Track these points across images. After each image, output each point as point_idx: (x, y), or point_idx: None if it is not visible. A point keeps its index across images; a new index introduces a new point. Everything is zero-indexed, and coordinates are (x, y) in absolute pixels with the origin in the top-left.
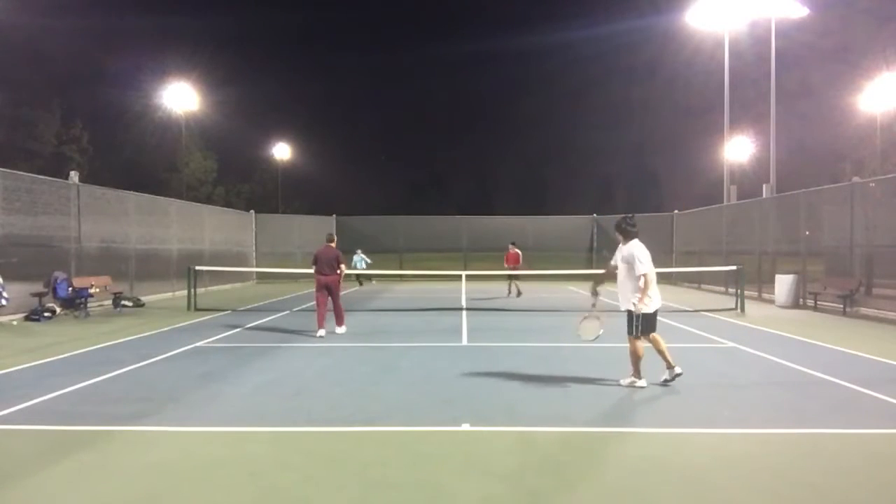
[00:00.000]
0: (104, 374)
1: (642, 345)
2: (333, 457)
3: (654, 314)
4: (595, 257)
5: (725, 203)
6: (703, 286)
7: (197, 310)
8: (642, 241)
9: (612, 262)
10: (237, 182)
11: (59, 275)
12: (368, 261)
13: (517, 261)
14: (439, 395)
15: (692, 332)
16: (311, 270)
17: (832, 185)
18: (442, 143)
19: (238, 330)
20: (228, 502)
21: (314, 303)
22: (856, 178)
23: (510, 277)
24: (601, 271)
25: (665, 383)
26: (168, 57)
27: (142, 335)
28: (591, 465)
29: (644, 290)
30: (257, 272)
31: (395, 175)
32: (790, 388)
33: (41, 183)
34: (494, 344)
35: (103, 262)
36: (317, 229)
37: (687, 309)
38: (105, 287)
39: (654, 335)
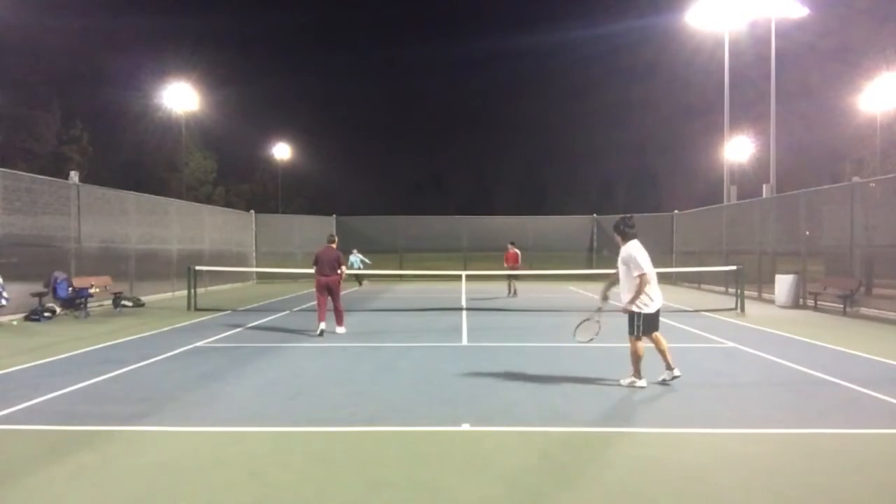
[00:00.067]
0: (104, 374)
1: (643, 345)
2: (333, 457)
3: (656, 314)
4: (595, 257)
5: (725, 203)
6: (703, 286)
7: (197, 310)
8: (642, 241)
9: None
10: (237, 182)
11: (59, 275)
12: (367, 261)
13: (516, 260)
14: (439, 395)
15: (692, 332)
16: (312, 271)
17: (832, 185)
18: (442, 143)
19: (238, 330)
20: (228, 502)
21: (314, 303)
22: (856, 178)
23: (510, 277)
24: (612, 271)
25: (663, 383)
26: (168, 57)
27: (142, 335)
28: (591, 465)
29: (638, 291)
30: (257, 272)
31: (395, 175)
32: (790, 388)
33: (41, 183)
34: (494, 344)
35: (103, 262)
36: (317, 229)
37: (687, 309)
38: (105, 287)
39: (657, 335)
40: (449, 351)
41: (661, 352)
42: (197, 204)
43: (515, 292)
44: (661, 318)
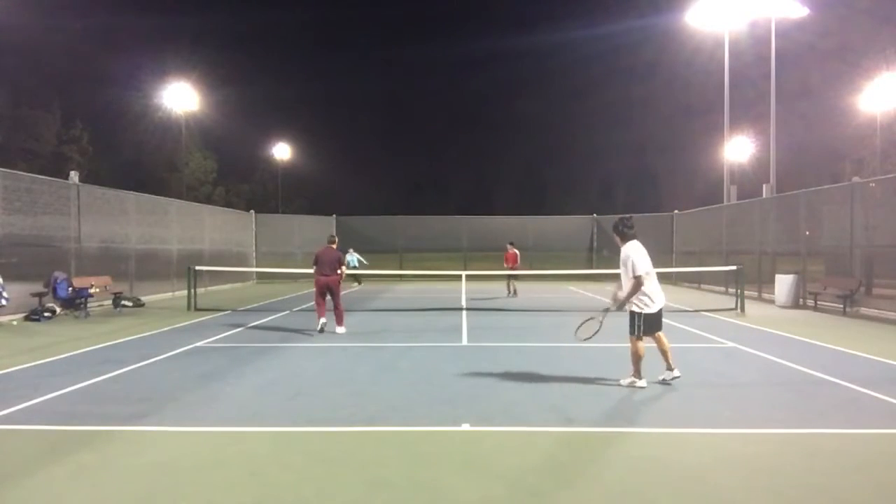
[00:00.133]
0: (104, 374)
1: (643, 345)
2: (333, 457)
3: (656, 314)
4: (595, 257)
5: (725, 203)
6: (703, 286)
7: (197, 310)
8: (642, 241)
9: None
10: (237, 182)
11: (59, 275)
12: (364, 261)
13: (515, 261)
14: (439, 395)
15: (692, 332)
16: (311, 271)
17: (832, 185)
18: (442, 143)
19: (238, 330)
20: (228, 502)
21: (314, 303)
22: (856, 178)
23: (509, 277)
24: (613, 271)
25: (663, 382)
26: (168, 57)
27: (142, 335)
28: (591, 464)
29: (631, 292)
30: (257, 272)
31: (395, 175)
32: (790, 388)
33: (41, 183)
34: (494, 344)
35: (103, 262)
36: (317, 229)
37: (687, 309)
38: (105, 287)
39: (660, 335)
40: (449, 351)
41: (663, 352)
42: (197, 204)
43: (515, 292)
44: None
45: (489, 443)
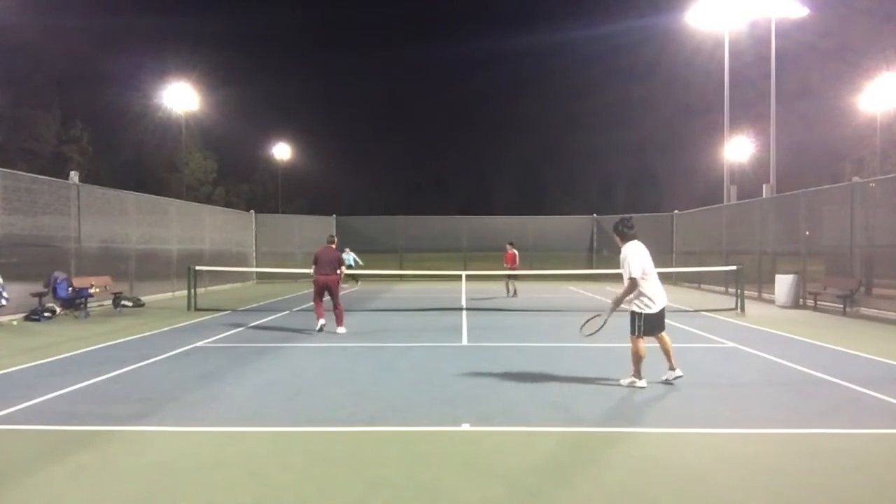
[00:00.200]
0: (104, 374)
1: (643, 345)
2: (333, 457)
3: (657, 315)
4: (595, 257)
5: (725, 203)
6: (703, 286)
7: (197, 310)
8: (642, 241)
9: None
10: (237, 182)
11: (59, 275)
12: (359, 261)
13: (514, 261)
14: (439, 395)
15: (692, 332)
16: (311, 270)
17: (832, 185)
18: (442, 143)
19: (238, 330)
20: (228, 502)
21: (312, 303)
22: (856, 178)
23: (508, 277)
24: (613, 271)
25: (666, 382)
26: (168, 57)
27: (142, 335)
28: (591, 464)
29: (624, 293)
30: (257, 272)
31: (395, 175)
32: (790, 388)
33: (41, 183)
34: (494, 344)
35: (103, 262)
36: (317, 229)
37: (687, 309)
38: (105, 287)
39: (662, 335)
40: (449, 351)
41: (666, 352)
42: (197, 204)
43: (515, 292)
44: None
45: (489, 443)
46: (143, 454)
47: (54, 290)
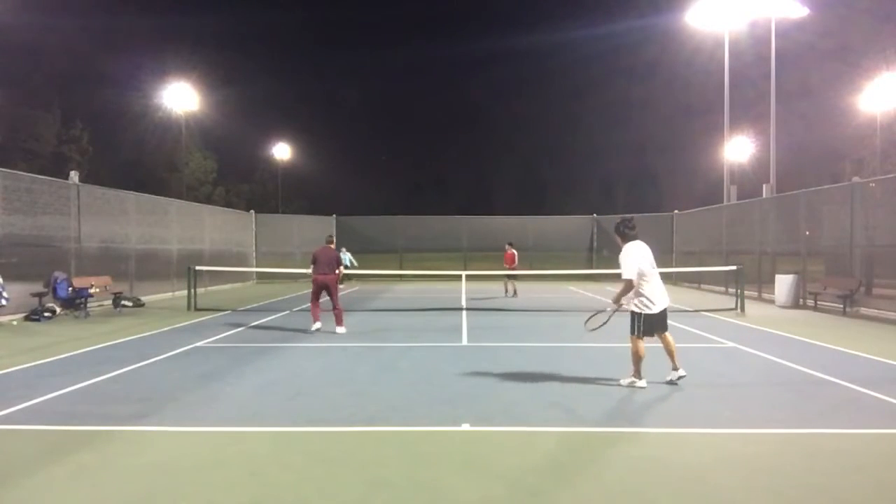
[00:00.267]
0: (104, 374)
1: (643, 345)
2: (333, 457)
3: (657, 316)
4: (595, 257)
5: (725, 203)
6: (702, 286)
7: (197, 310)
8: (644, 241)
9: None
10: (237, 182)
11: (59, 275)
12: (354, 262)
13: (513, 261)
14: (439, 395)
15: (692, 332)
16: (311, 270)
17: (832, 185)
18: (442, 143)
19: (238, 330)
20: (228, 502)
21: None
22: (856, 178)
23: (508, 277)
24: (612, 271)
25: (670, 383)
26: (168, 57)
27: (142, 335)
28: (591, 464)
29: (620, 293)
30: (257, 272)
31: (395, 175)
32: (790, 388)
33: (41, 183)
34: (494, 344)
35: (103, 262)
36: (317, 229)
37: (687, 309)
38: (105, 287)
39: (666, 335)
40: (449, 351)
41: (669, 352)
42: (197, 204)
43: (515, 292)
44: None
45: (489, 443)
46: (143, 454)
47: (54, 290)
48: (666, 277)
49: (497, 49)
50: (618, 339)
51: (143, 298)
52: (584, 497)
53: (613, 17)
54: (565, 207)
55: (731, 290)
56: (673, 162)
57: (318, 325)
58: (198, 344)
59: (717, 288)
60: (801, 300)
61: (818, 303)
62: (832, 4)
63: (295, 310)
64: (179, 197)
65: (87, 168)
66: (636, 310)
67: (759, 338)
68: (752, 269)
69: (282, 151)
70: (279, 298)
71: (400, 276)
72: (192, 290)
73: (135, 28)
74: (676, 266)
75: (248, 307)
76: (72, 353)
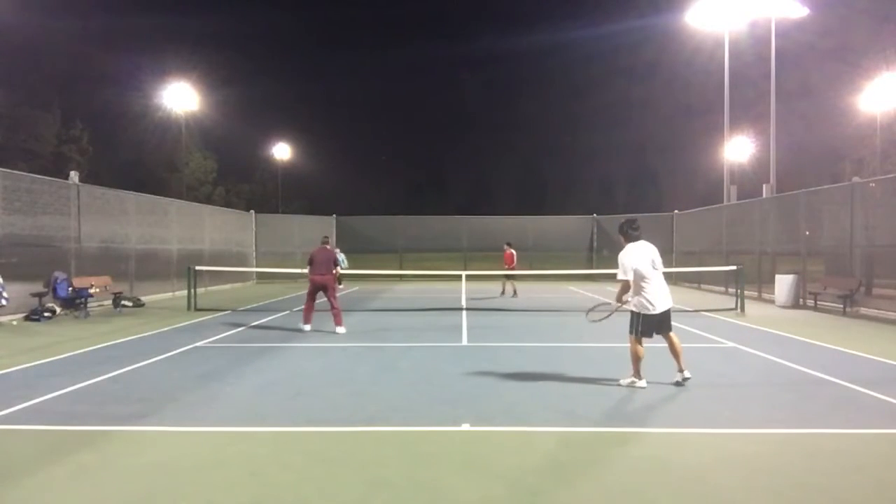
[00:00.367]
0: (104, 374)
1: (641, 348)
2: (333, 457)
3: (657, 317)
4: (595, 257)
5: (725, 203)
6: (702, 286)
7: (197, 310)
8: (648, 242)
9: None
10: (237, 182)
11: (59, 275)
12: (346, 262)
13: (512, 261)
14: (439, 395)
15: (692, 332)
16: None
17: (832, 185)
18: (442, 143)
19: (238, 330)
20: (228, 502)
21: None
22: (856, 178)
23: (506, 277)
24: (612, 271)
25: (677, 384)
26: (168, 57)
27: (142, 335)
28: (591, 464)
29: (618, 293)
30: (257, 272)
31: (395, 175)
32: (790, 388)
33: (41, 183)
34: (495, 344)
35: (103, 262)
36: (317, 229)
37: (687, 309)
38: (105, 287)
39: (671, 336)
40: (449, 351)
41: (674, 354)
42: (197, 204)
43: (515, 292)
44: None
45: (489, 443)
46: (143, 454)
47: (54, 290)
48: (666, 277)
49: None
50: (618, 339)
51: (143, 298)
52: (584, 497)
53: (613, 17)
54: (565, 207)
55: (731, 290)
56: (673, 162)
57: (307, 327)
58: (198, 344)
59: (717, 288)
60: (801, 300)
61: (818, 303)
62: (832, 4)
63: (295, 310)
64: (179, 197)
65: (87, 168)
66: (636, 310)
67: (759, 338)
68: (752, 269)
69: (282, 151)
70: (279, 298)
71: (400, 276)
72: (192, 290)
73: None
74: (676, 266)
75: (248, 307)
76: (72, 353)
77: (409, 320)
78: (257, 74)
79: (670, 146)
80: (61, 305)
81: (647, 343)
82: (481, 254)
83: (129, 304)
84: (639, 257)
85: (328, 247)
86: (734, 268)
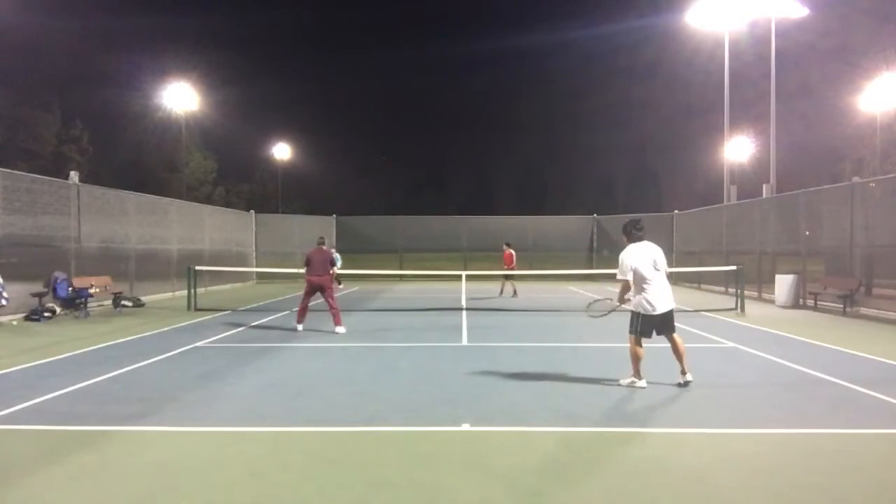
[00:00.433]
0: (104, 374)
1: (642, 350)
2: (333, 457)
3: (656, 318)
4: (595, 257)
5: (725, 203)
6: (703, 286)
7: (197, 310)
8: (652, 243)
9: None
10: (237, 182)
11: (59, 275)
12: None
13: (512, 261)
14: (439, 395)
15: (692, 332)
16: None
17: (832, 185)
18: (442, 143)
19: (238, 330)
20: (228, 502)
21: (315, 304)
22: (856, 178)
23: (505, 277)
24: (611, 271)
25: (678, 385)
26: (168, 57)
27: (142, 335)
28: (591, 465)
29: (619, 293)
30: (257, 272)
31: (395, 175)
32: (790, 388)
33: (41, 183)
34: (495, 344)
35: (103, 262)
36: (317, 229)
37: (687, 309)
38: (105, 287)
39: (674, 337)
40: (449, 351)
41: (677, 355)
42: (197, 204)
43: (515, 292)
44: None
45: (489, 443)
46: (143, 454)
47: (54, 290)
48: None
49: (497, 49)
50: (618, 339)
51: (143, 298)
52: (584, 497)
53: (613, 17)
54: (565, 207)
55: (731, 290)
56: (673, 162)
57: (300, 327)
58: (198, 344)
59: (717, 288)
60: (801, 300)
61: (818, 303)
62: (832, 4)
63: (295, 310)
64: (179, 197)
65: (87, 168)
66: (636, 310)
67: (759, 338)
68: (752, 269)
69: (282, 151)
70: (279, 298)
71: (400, 276)
72: (192, 290)
73: (135, 28)
74: (676, 266)
75: (248, 307)
76: (72, 353)
77: (409, 320)
78: (257, 74)
79: (670, 146)
80: (61, 305)
81: (648, 343)
82: (481, 254)
83: (129, 304)
84: (639, 257)
85: (324, 247)
86: (734, 268)
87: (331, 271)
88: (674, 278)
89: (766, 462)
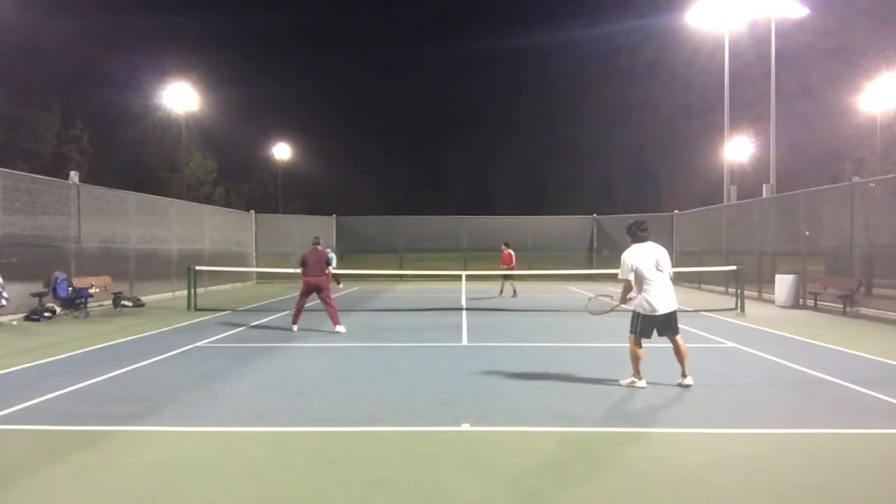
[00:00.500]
0: (104, 374)
1: (641, 348)
2: (333, 457)
3: (657, 318)
4: (595, 257)
5: (725, 203)
6: (703, 286)
7: (197, 310)
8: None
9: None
10: (237, 182)
11: (59, 275)
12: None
13: (511, 261)
14: (439, 395)
15: (692, 332)
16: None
17: (832, 185)
18: (442, 143)
19: (238, 330)
20: (228, 502)
21: (312, 304)
22: (856, 178)
23: (505, 277)
24: (611, 271)
25: (678, 385)
26: (168, 57)
27: (142, 335)
28: (591, 465)
29: (621, 293)
30: (257, 272)
31: (395, 175)
32: (790, 388)
33: (41, 183)
34: (495, 344)
35: (103, 262)
36: (317, 229)
37: (687, 309)
38: (105, 287)
39: (677, 339)
40: (449, 351)
41: (679, 357)
42: (197, 204)
43: (515, 292)
44: None
45: (489, 443)
46: (143, 454)
47: (54, 290)
48: None
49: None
50: (618, 339)
51: (143, 298)
52: (584, 497)
53: (613, 17)
54: (565, 207)
55: (731, 290)
56: (673, 162)
57: (295, 327)
58: (198, 344)
59: (717, 288)
60: (801, 300)
61: (818, 303)
62: (832, 4)
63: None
64: (179, 197)
65: (87, 168)
66: (636, 310)
67: (759, 338)
68: (752, 269)
69: (282, 151)
70: (279, 298)
71: (400, 276)
72: (192, 290)
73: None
74: (676, 266)
75: (248, 307)
76: (72, 353)
77: (409, 320)
78: (257, 74)
79: (670, 146)
80: (61, 305)
81: (648, 343)
82: (481, 254)
83: (129, 304)
84: (641, 258)
85: (320, 247)
86: (734, 268)
87: (326, 271)
88: (674, 278)
89: (766, 462)
